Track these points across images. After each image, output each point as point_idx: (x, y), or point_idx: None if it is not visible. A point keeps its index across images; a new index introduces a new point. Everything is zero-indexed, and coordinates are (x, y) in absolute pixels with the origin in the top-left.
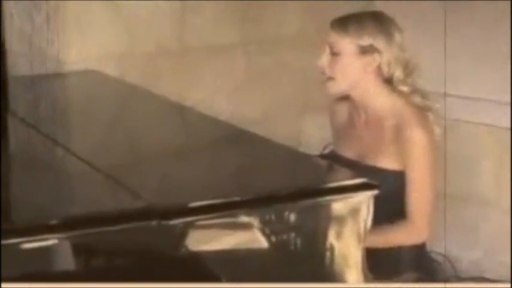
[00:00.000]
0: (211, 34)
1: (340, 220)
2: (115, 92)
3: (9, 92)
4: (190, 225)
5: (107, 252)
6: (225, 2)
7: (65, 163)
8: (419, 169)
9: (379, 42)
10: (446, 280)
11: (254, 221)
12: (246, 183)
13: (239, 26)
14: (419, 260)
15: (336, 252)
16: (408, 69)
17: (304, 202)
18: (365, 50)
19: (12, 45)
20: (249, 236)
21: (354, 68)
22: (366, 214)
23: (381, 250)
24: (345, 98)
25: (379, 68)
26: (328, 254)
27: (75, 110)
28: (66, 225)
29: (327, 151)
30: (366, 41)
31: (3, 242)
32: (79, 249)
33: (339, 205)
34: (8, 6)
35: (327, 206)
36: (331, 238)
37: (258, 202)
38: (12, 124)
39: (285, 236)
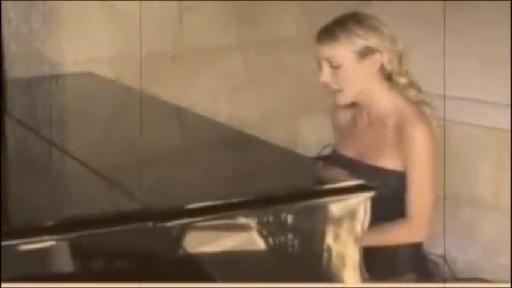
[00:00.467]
0: (208, 36)
1: (337, 221)
2: (112, 93)
3: (6, 94)
4: (187, 227)
5: (104, 254)
6: (223, 3)
7: (62, 165)
8: (421, 169)
9: (372, 41)
10: (444, 281)
11: (252, 222)
12: (244, 184)
13: (237, 28)
14: (417, 261)
15: (333, 253)
16: (402, 60)
17: (301, 204)
18: (363, 54)
19: (9, 47)
20: (247, 238)
21: (358, 75)
22: (363, 215)
23: (378, 251)
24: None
25: (381, 67)
26: (325, 255)
27: (72, 112)
28: (63, 226)
29: (326, 152)
30: (359, 44)
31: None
32: (76, 251)
33: (336, 206)
34: (5, 8)
35: (324, 208)
36: (329, 239)
37: (256, 204)
38: (9, 126)
39: (282, 238)
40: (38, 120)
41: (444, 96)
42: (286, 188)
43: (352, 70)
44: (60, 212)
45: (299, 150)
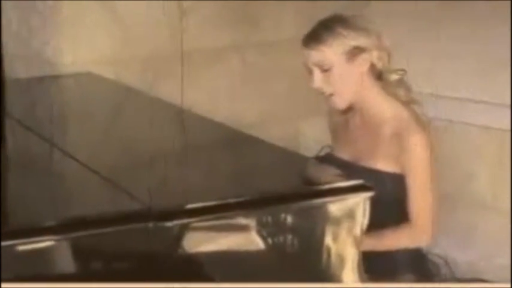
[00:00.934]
0: (207, 37)
1: (336, 222)
2: (112, 94)
3: (6, 95)
4: (186, 227)
5: (104, 254)
6: (222, 4)
7: (62, 165)
8: (420, 174)
9: (360, 40)
10: (444, 281)
11: (251, 222)
12: (243, 185)
13: (236, 29)
14: (417, 262)
15: (332, 253)
16: (389, 57)
17: (300, 204)
18: (352, 54)
19: (9, 47)
20: (246, 238)
21: (350, 76)
22: (362, 216)
23: (378, 252)
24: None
25: (372, 66)
26: (324, 255)
27: (72, 112)
28: (63, 227)
29: (323, 153)
30: (347, 45)
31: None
32: (76, 251)
33: (335, 207)
34: (5, 9)
35: (323, 208)
36: (328, 240)
37: (255, 204)
38: (9, 126)
39: (281, 238)
40: (38, 120)
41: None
42: (286, 188)
43: (343, 71)
44: (61, 212)
45: (298, 151)
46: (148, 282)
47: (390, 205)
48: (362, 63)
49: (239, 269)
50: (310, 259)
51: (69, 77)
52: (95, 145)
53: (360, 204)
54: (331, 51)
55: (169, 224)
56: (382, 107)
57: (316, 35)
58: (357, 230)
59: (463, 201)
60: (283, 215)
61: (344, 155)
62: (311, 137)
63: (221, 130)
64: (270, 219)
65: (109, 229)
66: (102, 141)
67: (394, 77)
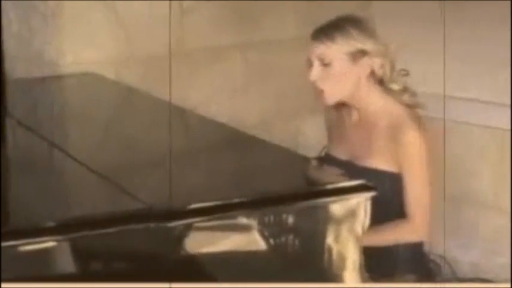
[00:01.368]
0: (209, 37)
1: (338, 222)
2: (113, 94)
3: (7, 95)
4: (188, 228)
5: (105, 255)
6: (223, 3)
7: (63, 165)
8: (416, 171)
9: (367, 45)
10: (445, 281)
11: (253, 223)
12: (245, 185)
13: (237, 28)
14: (418, 261)
15: (334, 253)
16: (395, 66)
17: (302, 204)
18: (355, 56)
19: (10, 48)
20: (248, 238)
21: (347, 76)
22: (364, 216)
23: (379, 251)
24: (340, 103)
25: (372, 71)
26: (326, 255)
27: (73, 113)
28: (65, 227)
29: (324, 153)
30: (354, 46)
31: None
32: (77, 252)
33: (336, 207)
34: (5, 9)
35: (324, 208)
36: (329, 240)
37: (257, 204)
38: (10, 127)
39: (283, 238)
40: (39, 121)
41: (444, 96)
42: (287, 189)
43: (341, 70)
44: (62, 213)
45: (300, 150)
46: (150, 282)
47: (388, 204)
48: (362, 67)
49: (241, 269)
50: (312, 259)
51: (70, 77)
52: (96, 145)
53: (361, 204)
54: (336, 48)
55: (170, 224)
56: (378, 105)
57: (326, 30)
58: (359, 230)
59: (464, 200)
60: (285, 215)
61: (341, 154)
62: (312, 137)
63: (223, 130)
64: (271, 219)
65: (110, 229)
66: (103, 142)
67: (395, 87)
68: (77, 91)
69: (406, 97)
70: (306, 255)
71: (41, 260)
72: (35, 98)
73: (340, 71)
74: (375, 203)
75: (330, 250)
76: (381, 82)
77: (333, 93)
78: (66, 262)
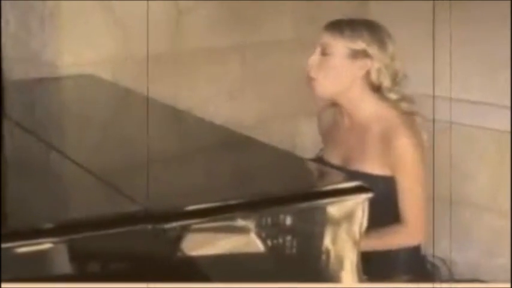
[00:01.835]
0: (206, 38)
1: (336, 223)
2: (110, 96)
3: (5, 96)
4: (185, 229)
5: (103, 256)
6: (220, 4)
7: (61, 167)
8: (409, 176)
9: (372, 49)
10: (443, 282)
11: (250, 224)
12: (242, 186)
13: (235, 29)
14: (415, 263)
15: (332, 255)
16: (397, 79)
17: (299, 205)
18: (357, 55)
19: (8, 49)
20: (245, 240)
21: (342, 71)
22: (361, 217)
23: (376, 253)
24: (332, 104)
25: (368, 74)
26: (323, 257)
27: (71, 114)
28: (62, 229)
29: (321, 154)
30: (359, 45)
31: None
32: (74, 253)
33: (334, 208)
34: (3, 11)
35: (322, 209)
36: (327, 241)
37: (254, 205)
38: (7, 128)
39: (281, 240)
40: (37, 122)
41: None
42: (285, 190)
43: (339, 62)
44: (59, 214)
45: (297, 152)
46: (146, 284)
47: (382, 208)
48: (360, 67)
49: (238, 271)
50: (310, 260)
51: (68, 78)
52: (93, 147)
53: (359, 205)
54: (341, 42)
55: (168, 226)
56: (370, 110)
57: (339, 24)
58: (356, 232)
59: (463, 201)
60: (282, 217)
61: (334, 159)
62: (310, 138)
63: (220, 131)
64: (269, 220)
65: (108, 231)
66: (100, 143)
67: (393, 96)
68: (74, 92)
69: (403, 105)
70: (304, 256)
71: (39, 262)
72: (33, 100)
73: (337, 64)
74: (370, 207)
75: (327, 251)
76: (377, 90)
77: (325, 84)
78: (64, 263)
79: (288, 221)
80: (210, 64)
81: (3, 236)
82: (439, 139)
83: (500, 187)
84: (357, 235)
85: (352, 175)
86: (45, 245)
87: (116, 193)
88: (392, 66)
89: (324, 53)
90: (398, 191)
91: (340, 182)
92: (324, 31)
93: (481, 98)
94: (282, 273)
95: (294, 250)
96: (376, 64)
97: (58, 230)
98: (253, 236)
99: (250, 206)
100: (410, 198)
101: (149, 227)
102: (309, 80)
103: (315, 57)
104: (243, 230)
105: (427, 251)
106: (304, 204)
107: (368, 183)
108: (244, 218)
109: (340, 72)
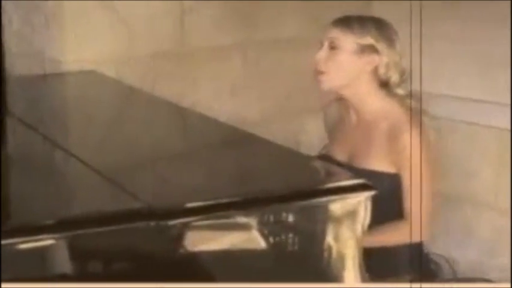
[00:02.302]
0: (209, 36)
1: (338, 221)
2: (114, 92)
3: (8, 92)
4: (188, 226)
5: (105, 253)
6: (223, 3)
7: (63, 163)
8: (416, 173)
9: (380, 45)
10: (445, 281)
11: (252, 221)
12: (244, 183)
13: (237, 27)
14: (418, 261)
15: (334, 252)
16: (404, 76)
17: (302, 203)
18: (365, 50)
19: (11, 46)
20: (247, 237)
21: (350, 65)
22: (364, 215)
23: (379, 251)
24: (338, 99)
25: (376, 69)
26: (326, 254)
27: (74, 111)
28: (64, 225)
29: (324, 151)
30: (367, 41)
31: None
32: (77, 250)
33: (336, 206)
34: (7, 8)
35: (324, 207)
36: (329, 239)
37: (256, 203)
38: (10, 125)
39: (283, 237)
40: (40, 119)
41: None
42: (287, 187)
43: (347, 57)
44: (61, 211)
45: (301, 149)
46: (149, 281)
47: (386, 205)
48: (368, 62)
49: (241, 268)
50: (312, 258)
51: (71, 75)
52: (96, 144)
53: (361, 203)
54: (350, 36)
55: (170, 222)
56: (376, 105)
57: (348, 19)
58: (359, 229)
59: (464, 200)
60: (284, 214)
61: (339, 155)
62: (313, 135)
63: (222, 129)
64: (271, 218)
65: (110, 228)
66: (103, 140)
67: (401, 91)
68: (77, 89)
69: (410, 102)
70: (306, 254)
71: (40, 258)
72: (36, 96)
73: (345, 58)
74: (374, 204)
75: (329, 249)
76: (385, 85)
77: (332, 78)
78: (66, 260)
79: (290, 218)
80: (213, 62)
81: (5, 232)
82: (441, 137)
83: (502, 185)
84: (360, 233)
85: (357, 172)
86: (46, 241)
87: (119, 190)
88: (400, 64)
89: (332, 47)
90: (403, 187)
91: (343, 180)
92: (332, 27)
93: (482, 96)
94: (284, 270)
95: (296, 247)
96: (384, 59)
97: (60, 227)
98: (255, 233)
99: (253, 203)
100: (415, 194)
101: (152, 223)
102: (317, 74)
103: (322, 52)
104: (245, 227)
105: (429, 248)
106: (307, 202)
107: (373, 180)
108: (246, 215)
109: (347, 66)
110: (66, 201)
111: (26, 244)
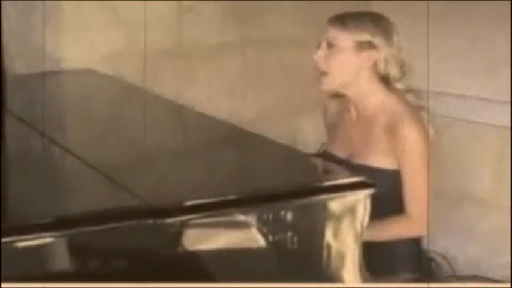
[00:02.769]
0: (208, 34)
1: (337, 219)
2: (112, 91)
3: (6, 91)
4: (186, 224)
5: (103, 251)
6: (221, 3)
7: (62, 162)
8: (415, 168)
9: (378, 40)
10: (444, 279)
11: (251, 219)
12: (243, 181)
13: (236, 26)
14: (418, 260)
15: (333, 250)
16: (403, 69)
17: (301, 201)
18: (363, 46)
19: (9, 44)
20: (246, 235)
21: (350, 63)
22: (363, 213)
23: (378, 249)
24: (337, 95)
25: (375, 64)
26: (325, 252)
27: (72, 109)
28: (62, 223)
29: (321, 150)
30: (364, 37)
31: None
32: (75, 248)
33: (335, 204)
34: (5, 6)
35: (323, 205)
36: (328, 237)
37: (255, 201)
38: (9, 123)
39: (281, 235)
40: (38, 117)
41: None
42: (286, 185)
43: (345, 56)
44: (60, 209)
45: (299, 147)
46: (147, 279)
47: (386, 201)
48: (366, 58)
49: (239, 266)
50: (311, 256)
51: (69, 73)
52: (94, 142)
53: (360, 201)
54: (346, 34)
55: (168, 220)
56: (376, 100)
57: (343, 17)
58: (358, 227)
59: (464, 198)
60: (283, 212)
61: (339, 152)
62: (311, 134)
63: (221, 127)
64: (270, 216)
65: (108, 226)
66: (102, 138)
67: (400, 85)
68: (75, 87)
69: (410, 97)
70: (305, 252)
71: (39, 256)
72: (34, 94)
73: (343, 56)
74: (373, 200)
75: (328, 247)
76: (385, 80)
77: (333, 78)
78: (64, 258)
79: (289, 216)
80: (211, 60)
81: (4, 231)
82: (442, 134)
83: (502, 184)
84: (359, 230)
85: (357, 169)
86: (45, 239)
87: (116, 188)
88: (399, 57)
89: (329, 46)
90: (403, 184)
91: (341, 178)
92: (329, 25)
93: (482, 94)
94: (283, 268)
95: (295, 245)
96: (383, 54)
97: (59, 225)
98: (254, 232)
99: (251, 201)
100: (414, 189)
101: (150, 221)
102: (319, 74)
103: (321, 52)
104: (244, 225)
105: (428, 246)
106: (306, 200)
107: (373, 177)
108: (245, 213)
109: (347, 64)
110: (64, 200)
111: (25, 242)
